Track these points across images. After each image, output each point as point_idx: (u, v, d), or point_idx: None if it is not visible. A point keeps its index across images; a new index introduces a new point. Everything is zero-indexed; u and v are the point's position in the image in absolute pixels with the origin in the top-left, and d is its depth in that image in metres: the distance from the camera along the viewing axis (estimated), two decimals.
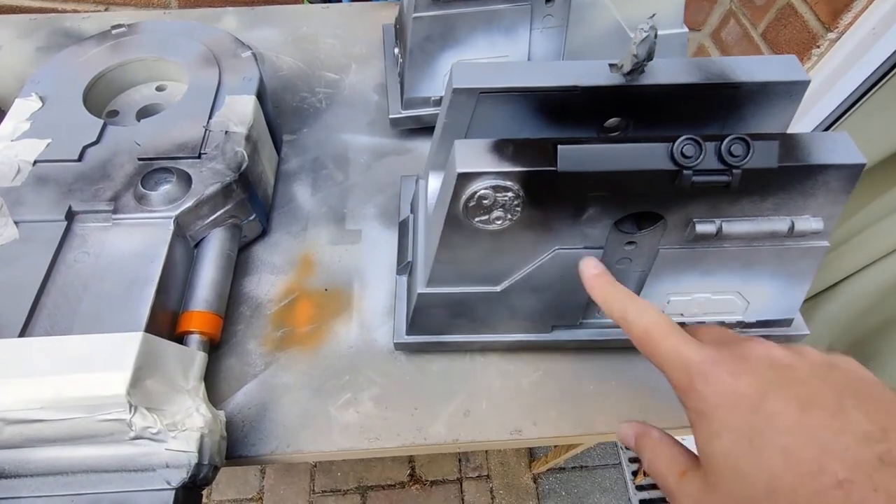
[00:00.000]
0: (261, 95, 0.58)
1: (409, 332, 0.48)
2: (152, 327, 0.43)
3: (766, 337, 0.43)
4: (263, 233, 0.58)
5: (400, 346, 0.49)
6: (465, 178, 0.34)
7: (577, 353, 0.51)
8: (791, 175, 0.34)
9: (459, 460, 1.32)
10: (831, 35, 0.88)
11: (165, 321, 0.46)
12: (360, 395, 0.48)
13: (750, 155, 0.33)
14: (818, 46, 0.91)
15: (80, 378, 0.38)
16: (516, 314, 0.45)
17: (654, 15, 0.34)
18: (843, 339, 1.05)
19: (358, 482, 1.27)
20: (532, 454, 1.33)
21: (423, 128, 0.66)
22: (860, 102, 0.93)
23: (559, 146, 0.33)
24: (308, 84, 0.74)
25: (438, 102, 0.63)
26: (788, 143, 0.34)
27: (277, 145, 0.65)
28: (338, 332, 0.52)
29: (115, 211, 0.47)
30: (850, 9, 0.84)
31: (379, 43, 0.78)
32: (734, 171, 0.33)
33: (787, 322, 0.47)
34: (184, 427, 0.40)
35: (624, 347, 0.50)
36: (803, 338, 0.48)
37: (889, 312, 0.94)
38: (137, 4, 1.07)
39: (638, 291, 0.44)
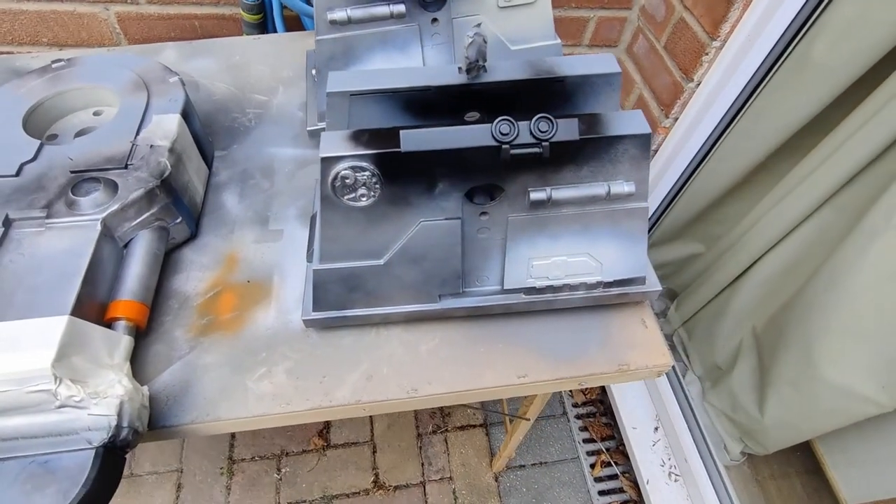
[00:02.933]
0: (187, 115, 0.66)
1: (315, 308, 0.54)
2: (80, 313, 0.48)
3: (625, 293, 0.51)
4: (193, 236, 0.65)
5: (308, 322, 0.55)
6: (327, 162, 0.41)
7: (469, 320, 0.57)
8: (595, 146, 0.42)
9: (422, 464, 1.36)
10: (716, 43, 0.99)
11: (93, 309, 0.52)
12: (275, 369, 0.54)
13: (555, 130, 0.41)
14: (707, 54, 1.02)
15: (11, 356, 0.44)
16: (404, 285, 0.52)
17: (479, 24, 0.43)
18: (760, 316, 1.13)
19: (323, 492, 1.30)
20: (492, 453, 1.37)
21: None
22: (750, 101, 1.03)
23: (401, 131, 0.41)
24: (239, 106, 0.81)
25: None
26: (590, 120, 0.42)
27: (208, 160, 0.72)
28: (257, 318, 0.58)
29: (48, 217, 0.54)
30: (727, 19, 0.96)
31: (304, 67, 0.86)
32: (543, 143, 0.41)
33: (640, 280, 0.54)
34: (105, 395, 0.45)
35: (508, 313, 0.57)
36: (657, 293, 0.56)
37: (791, 290, 1.02)
38: (90, 44, 1.15)
39: (503, 258, 0.51)
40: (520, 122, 0.41)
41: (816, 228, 0.99)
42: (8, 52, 1.14)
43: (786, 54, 0.94)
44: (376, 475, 1.34)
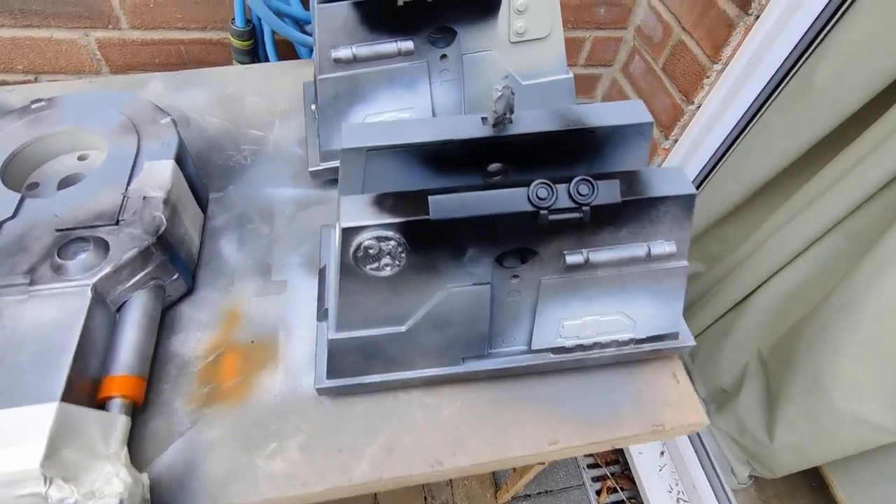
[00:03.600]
0: (181, 159, 0.61)
1: (329, 376, 0.50)
2: (70, 395, 0.44)
3: (658, 350, 0.48)
4: (189, 291, 0.60)
5: (322, 391, 0.51)
6: (350, 232, 0.38)
7: (491, 381, 0.54)
8: (636, 207, 0.39)
9: (425, 498, 1.31)
10: (717, 66, 0.98)
11: (85, 388, 0.47)
12: (287, 443, 0.50)
13: (595, 193, 0.38)
14: (708, 77, 1.01)
15: None
16: (426, 350, 0.49)
17: (506, 76, 0.39)
18: (766, 339, 1.12)
19: None
20: (496, 484, 1.34)
21: None
22: (752, 124, 1.02)
23: (430, 197, 0.37)
24: (234, 142, 0.77)
25: None
26: (629, 179, 0.39)
27: (202, 204, 0.67)
28: (264, 383, 0.54)
29: (31, 283, 0.49)
30: (729, 43, 0.95)
31: (301, 99, 0.82)
32: (583, 208, 0.38)
33: (673, 335, 0.51)
34: (102, 494, 0.41)
35: (531, 373, 0.53)
36: (689, 348, 0.53)
37: (800, 313, 1.01)
38: (68, 72, 1.09)
39: (533, 319, 0.48)
40: (558, 185, 0.37)
41: (826, 253, 0.98)
42: None
43: (788, 78, 0.93)
44: None
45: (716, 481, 1.25)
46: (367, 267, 0.40)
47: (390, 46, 0.58)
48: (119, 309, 0.53)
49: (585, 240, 0.41)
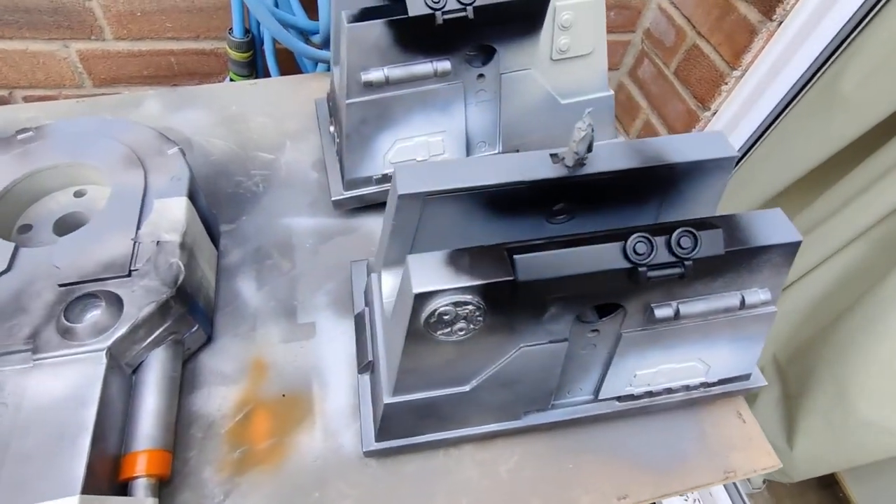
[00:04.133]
0: (192, 194, 0.55)
1: (379, 438, 0.45)
2: (90, 482, 0.38)
3: (727, 392, 0.45)
4: (208, 340, 0.54)
5: (370, 454, 0.46)
6: (423, 298, 0.33)
7: (551, 431, 0.50)
8: (737, 257, 0.36)
9: None
10: (736, 73, 0.95)
11: (105, 470, 0.41)
12: None
13: (699, 246, 0.34)
14: (726, 83, 0.98)
15: None
16: (487, 408, 0.44)
17: (590, 111, 0.35)
18: (785, 349, 1.11)
19: None
20: None
21: (365, 206, 0.64)
22: (769, 131, 1.00)
23: (516, 256, 0.33)
24: (242, 167, 0.71)
25: (381, 181, 0.62)
26: (730, 226, 0.36)
27: (215, 239, 0.62)
28: (301, 444, 0.49)
29: (35, 350, 0.43)
30: (750, 49, 0.92)
31: (312, 116, 0.76)
32: (685, 262, 0.34)
33: (745, 377, 0.48)
34: None
35: (594, 421, 0.49)
36: (759, 388, 0.50)
37: (822, 323, 1.00)
38: (47, 86, 1.01)
39: (605, 370, 0.44)
40: (656, 238, 0.33)
41: (850, 262, 0.97)
42: None
43: (810, 85, 0.91)
44: None
45: (731, 486, 1.24)
46: (439, 332, 0.35)
47: (426, 67, 0.53)
48: (135, 371, 0.47)
49: (676, 291, 0.37)
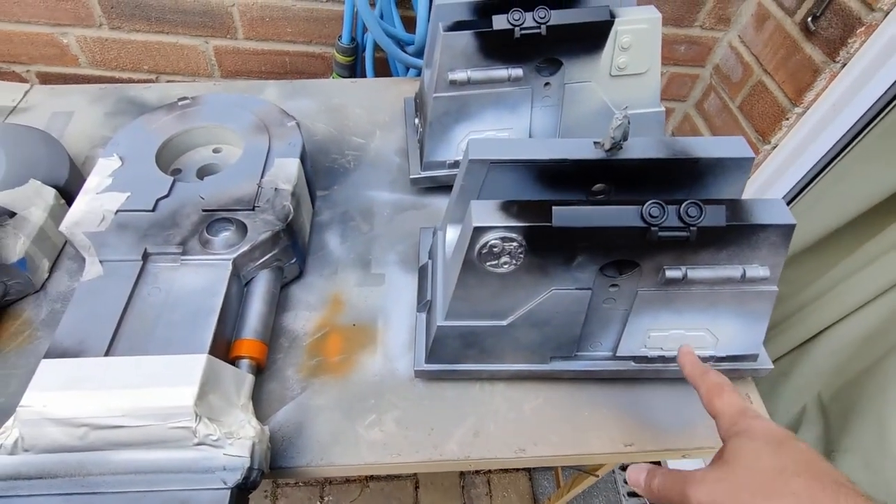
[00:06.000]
0: (302, 158, 0.69)
1: (428, 360, 0.56)
2: (213, 351, 0.51)
3: (736, 370, 0.52)
4: (300, 275, 0.67)
5: (419, 374, 0.57)
6: (479, 231, 0.43)
7: (573, 382, 0.58)
8: (738, 232, 0.43)
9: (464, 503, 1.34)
10: (798, 109, 1.00)
11: (222, 346, 0.54)
12: (384, 417, 0.55)
13: (703, 216, 0.42)
14: (787, 119, 1.03)
15: (155, 391, 0.46)
16: (519, 346, 0.53)
17: (626, 107, 0.44)
18: (829, 387, 1.11)
19: None
20: (536, 500, 1.35)
21: (438, 187, 0.76)
22: (829, 168, 1.03)
23: (554, 207, 0.43)
24: (339, 147, 0.85)
25: (453, 165, 0.73)
26: (735, 206, 0.43)
27: (313, 200, 0.75)
28: (364, 362, 0.60)
29: (183, 253, 0.57)
30: (813, 87, 0.97)
31: (400, 113, 0.90)
32: (691, 228, 0.42)
33: (753, 357, 0.54)
34: (238, 436, 0.47)
35: (613, 378, 0.57)
36: (768, 371, 0.55)
37: (867, 362, 1.00)
38: (185, 74, 1.21)
39: (622, 327, 0.52)
40: (669, 206, 0.42)
41: None
42: (109, 77, 1.21)
43: (871, 126, 0.94)
44: None
45: None
46: (488, 263, 0.45)
47: (502, 72, 0.65)
48: (247, 284, 0.61)
49: (686, 257, 0.45)
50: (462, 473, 1.39)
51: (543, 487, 1.38)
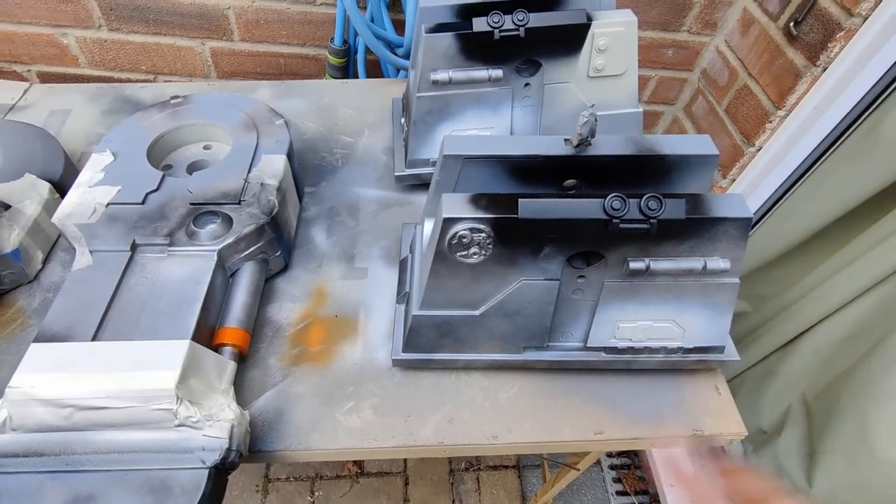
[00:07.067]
0: (290, 155, 0.71)
1: (405, 349, 0.57)
2: (196, 338, 0.53)
3: (704, 361, 0.53)
4: (285, 268, 0.69)
5: (397, 363, 0.58)
6: (449, 222, 0.45)
7: (547, 373, 0.60)
8: (698, 225, 0.45)
9: (453, 500, 1.35)
10: (780, 112, 1.02)
11: (206, 334, 0.56)
12: (362, 404, 0.57)
13: (663, 209, 0.44)
14: (770, 122, 1.04)
15: (139, 375, 0.48)
16: (493, 335, 0.55)
17: (593, 105, 0.46)
18: (813, 387, 1.12)
19: None
20: (524, 497, 1.36)
21: (422, 184, 0.78)
22: (811, 170, 1.05)
23: (520, 199, 0.44)
24: (327, 146, 0.87)
25: (435, 164, 0.75)
26: (695, 200, 0.45)
27: (300, 195, 0.77)
28: (345, 352, 0.62)
29: (170, 244, 0.59)
30: (795, 91, 0.99)
31: (388, 112, 0.92)
32: (651, 220, 0.44)
33: (720, 349, 0.56)
34: (218, 418, 0.49)
35: (585, 369, 0.59)
36: (736, 363, 0.57)
37: (850, 361, 1.01)
38: (182, 74, 1.24)
39: (592, 318, 0.53)
40: (630, 199, 0.44)
41: (879, 302, 0.98)
42: (108, 77, 1.24)
43: (853, 128, 0.96)
44: None
45: None
46: (458, 254, 0.47)
47: (482, 73, 0.67)
48: (233, 275, 0.63)
49: (649, 250, 0.47)
50: (451, 470, 1.41)
51: (532, 485, 1.39)
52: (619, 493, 1.41)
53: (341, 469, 1.39)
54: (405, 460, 1.41)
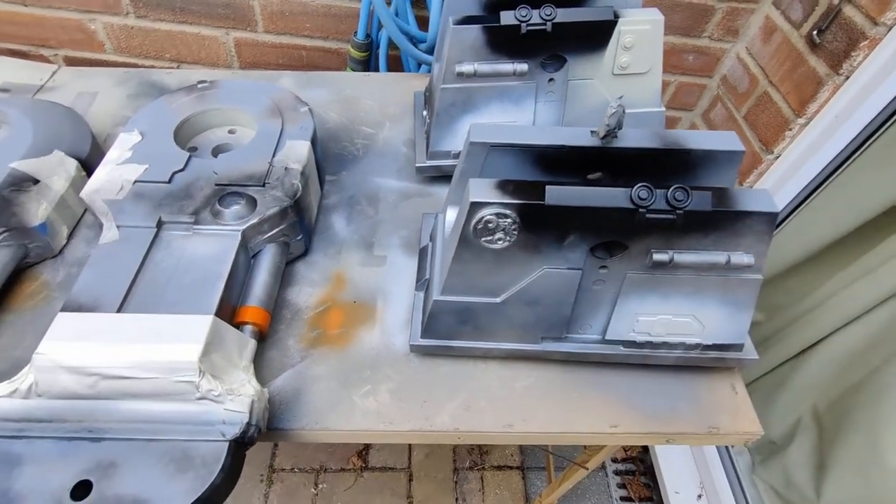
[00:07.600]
0: (313, 142, 0.72)
1: (424, 335, 0.58)
2: (219, 314, 0.53)
3: (722, 359, 0.53)
4: (305, 252, 0.70)
5: (415, 348, 0.59)
6: (476, 206, 0.45)
7: (564, 364, 0.60)
8: (723, 218, 0.45)
9: (456, 499, 1.35)
10: (801, 120, 1.02)
11: (228, 311, 0.56)
12: (379, 388, 0.58)
13: (690, 200, 0.44)
14: (790, 129, 1.04)
15: (163, 347, 0.49)
16: (512, 324, 0.55)
17: (621, 96, 0.47)
18: (824, 398, 1.11)
19: None
20: (528, 498, 1.36)
21: (442, 175, 0.79)
22: (830, 179, 1.04)
23: (547, 186, 0.45)
24: (349, 135, 0.88)
25: (458, 156, 0.75)
26: (721, 194, 0.45)
27: (322, 183, 0.78)
28: (362, 337, 0.62)
29: (195, 223, 0.59)
30: (816, 99, 0.98)
31: (409, 106, 0.92)
32: (678, 211, 0.44)
33: (738, 347, 0.56)
34: (238, 393, 0.50)
35: (603, 362, 0.59)
36: (754, 362, 0.57)
37: (862, 373, 1.01)
38: (206, 63, 1.25)
39: (612, 309, 0.54)
40: (657, 190, 0.44)
41: (894, 314, 0.98)
42: (133, 63, 1.26)
43: (874, 137, 0.95)
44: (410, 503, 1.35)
45: None
46: (483, 239, 0.47)
47: (507, 66, 0.67)
48: (254, 256, 0.63)
49: (673, 242, 0.47)
50: (455, 468, 1.41)
51: (536, 486, 1.39)
52: (623, 500, 1.40)
53: (346, 462, 1.39)
54: (409, 457, 1.42)
